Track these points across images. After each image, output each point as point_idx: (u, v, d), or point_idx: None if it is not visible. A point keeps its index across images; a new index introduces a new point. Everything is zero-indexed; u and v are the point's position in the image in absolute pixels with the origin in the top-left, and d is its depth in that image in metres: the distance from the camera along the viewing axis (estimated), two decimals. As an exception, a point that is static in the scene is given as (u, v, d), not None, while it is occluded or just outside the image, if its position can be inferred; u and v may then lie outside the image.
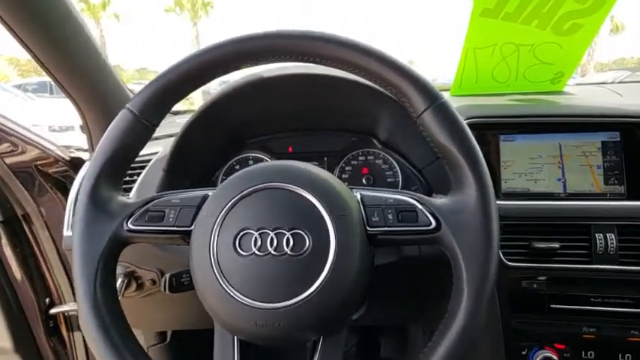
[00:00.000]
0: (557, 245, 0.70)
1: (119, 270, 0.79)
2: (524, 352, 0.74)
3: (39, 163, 0.97)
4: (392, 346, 1.40)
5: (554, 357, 0.72)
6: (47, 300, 1.04)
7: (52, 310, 1.03)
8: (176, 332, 1.13)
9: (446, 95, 1.02)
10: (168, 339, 1.12)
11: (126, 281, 0.78)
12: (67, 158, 1.02)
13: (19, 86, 8.56)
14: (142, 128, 0.52)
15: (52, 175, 1.00)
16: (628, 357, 0.72)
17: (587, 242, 0.70)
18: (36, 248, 1.02)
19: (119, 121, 0.51)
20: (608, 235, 0.69)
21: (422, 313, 0.95)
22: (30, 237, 1.01)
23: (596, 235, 0.69)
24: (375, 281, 0.76)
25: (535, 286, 0.72)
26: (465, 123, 0.48)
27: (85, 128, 0.98)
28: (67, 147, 1.05)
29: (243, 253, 0.45)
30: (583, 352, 0.73)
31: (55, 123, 5.71)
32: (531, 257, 0.71)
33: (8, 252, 0.96)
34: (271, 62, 0.53)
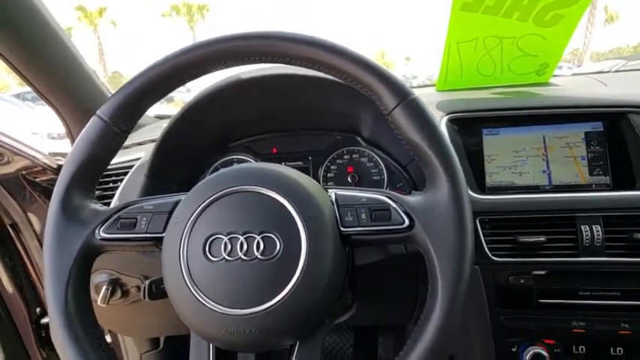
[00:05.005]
0: (543, 239, 0.68)
1: (104, 277, 0.78)
2: (514, 349, 0.73)
3: (26, 172, 0.96)
4: (389, 345, 1.38)
5: (545, 353, 0.70)
6: (38, 310, 1.04)
7: (44, 320, 1.03)
8: (169, 338, 1.12)
9: (432, 90, 1.00)
10: (161, 345, 1.11)
11: (110, 288, 0.77)
12: (55, 166, 1.01)
13: (18, 95, 8.56)
14: (113, 135, 0.51)
15: (40, 184, 1.00)
16: (619, 350, 0.70)
17: (574, 235, 0.69)
18: (25, 257, 1.02)
19: (89, 128, 0.51)
20: (593, 226, 0.67)
21: (415, 310, 0.94)
22: (19, 246, 1.01)
23: (582, 227, 0.68)
24: (363, 281, 0.75)
25: (522, 281, 0.71)
26: (435, 118, 0.47)
27: (68, 134, 0.98)
28: (54, 155, 1.05)
29: (213, 259, 0.44)
30: (574, 347, 0.72)
31: (54, 130, 5.72)
32: (518, 252, 0.70)
33: (-3, 262, 0.96)
34: (242, 64, 0.52)
